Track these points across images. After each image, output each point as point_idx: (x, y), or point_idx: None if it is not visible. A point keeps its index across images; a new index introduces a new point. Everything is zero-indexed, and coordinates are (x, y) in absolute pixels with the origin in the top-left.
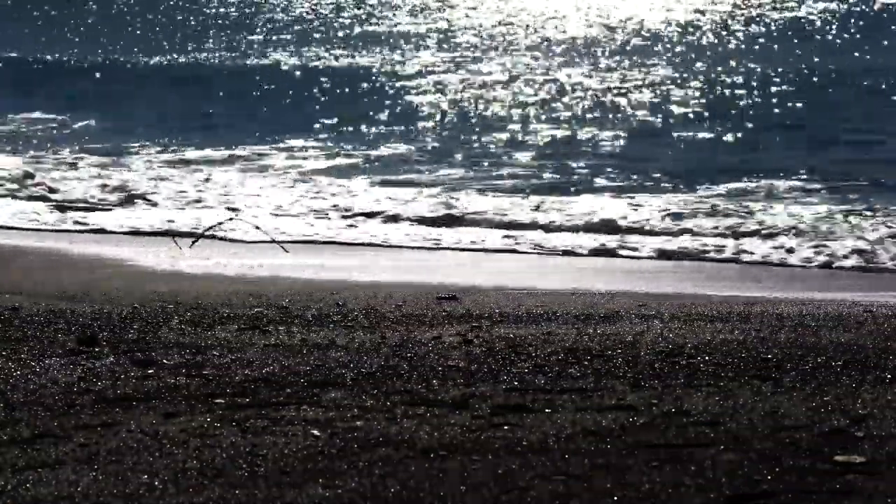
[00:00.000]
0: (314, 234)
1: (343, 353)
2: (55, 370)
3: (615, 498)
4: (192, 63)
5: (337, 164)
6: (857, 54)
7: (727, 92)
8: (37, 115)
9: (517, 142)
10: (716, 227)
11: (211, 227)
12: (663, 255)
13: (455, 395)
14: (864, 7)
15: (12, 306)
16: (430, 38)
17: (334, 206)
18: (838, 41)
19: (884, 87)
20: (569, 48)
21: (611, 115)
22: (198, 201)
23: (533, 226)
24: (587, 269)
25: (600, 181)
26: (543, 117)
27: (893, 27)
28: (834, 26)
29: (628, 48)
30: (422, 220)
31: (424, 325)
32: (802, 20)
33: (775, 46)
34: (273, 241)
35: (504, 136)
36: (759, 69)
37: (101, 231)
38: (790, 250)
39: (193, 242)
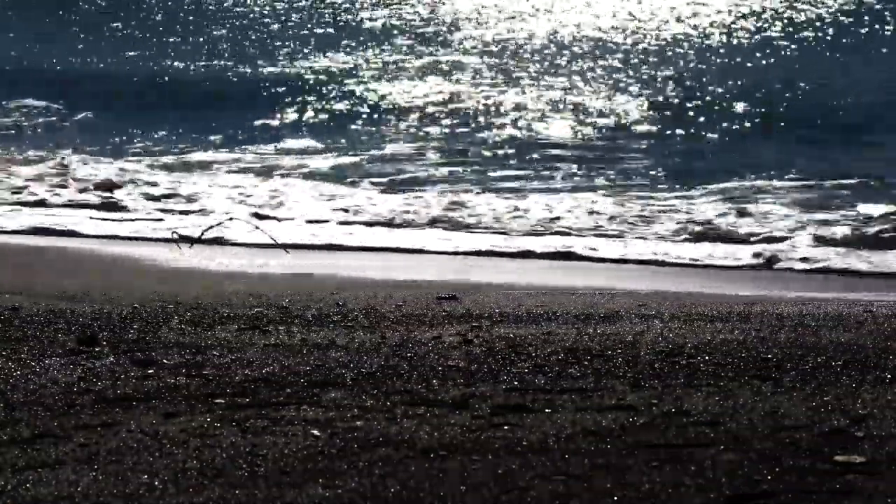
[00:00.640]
0: (314, 235)
1: (343, 353)
2: (55, 370)
3: (615, 498)
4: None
5: (336, 165)
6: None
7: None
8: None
9: (517, 142)
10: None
11: (211, 228)
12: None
13: (455, 395)
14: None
15: (12, 306)
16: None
17: (333, 208)
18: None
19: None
20: (554, 48)
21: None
22: (198, 202)
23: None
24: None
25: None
26: (525, 115)
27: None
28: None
29: (619, 50)
30: (434, 221)
31: (424, 325)
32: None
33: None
34: (273, 242)
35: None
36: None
37: (105, 235)
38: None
39: (194, 243)
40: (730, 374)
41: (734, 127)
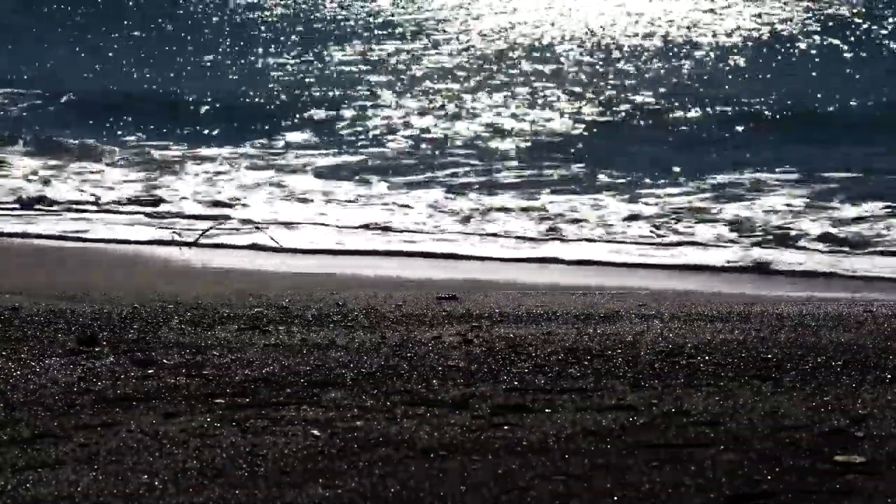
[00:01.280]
0: (313, 237)
1: (343, 353)
2: (55, 370)
3: (615, 498)
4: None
5: (336, 165)
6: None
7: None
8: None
9: (524, 136)
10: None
11: (211, 227)
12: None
13: (455, 395)
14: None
15: (12, 306)
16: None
17: (331, 210)
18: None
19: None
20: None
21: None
22: (198, 202)
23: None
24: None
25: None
26: (522, 114)
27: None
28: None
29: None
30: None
31: (424, 325)
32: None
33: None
34: (274, 243)
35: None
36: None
37: (108, 239)
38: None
39: (194, 242)
40: (730, 374)
41: (726, 126)
